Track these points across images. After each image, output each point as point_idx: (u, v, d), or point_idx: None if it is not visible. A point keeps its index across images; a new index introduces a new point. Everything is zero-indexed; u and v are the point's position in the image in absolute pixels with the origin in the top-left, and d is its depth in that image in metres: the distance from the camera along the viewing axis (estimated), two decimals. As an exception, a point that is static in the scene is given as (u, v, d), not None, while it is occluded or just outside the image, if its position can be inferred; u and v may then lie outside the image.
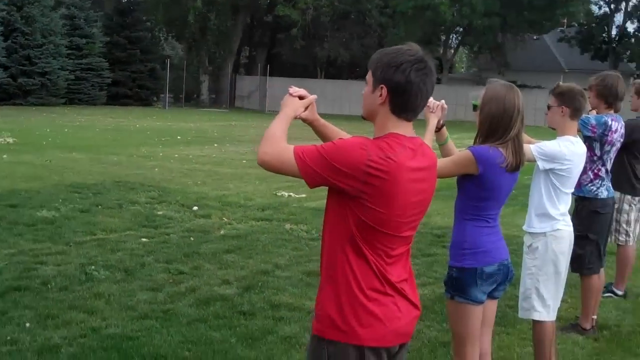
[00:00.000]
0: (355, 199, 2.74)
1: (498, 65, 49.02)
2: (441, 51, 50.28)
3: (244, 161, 17.93)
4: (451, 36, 51.71)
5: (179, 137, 23.81)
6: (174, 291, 6.85)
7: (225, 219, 10.36)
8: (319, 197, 12.16)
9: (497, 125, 3.95)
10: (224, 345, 5.54)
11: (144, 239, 8.84)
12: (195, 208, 10.97)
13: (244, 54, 62.25)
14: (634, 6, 52.02)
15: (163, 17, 50.44)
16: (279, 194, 12.86)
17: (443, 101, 4.20)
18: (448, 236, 9.38)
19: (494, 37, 47.76)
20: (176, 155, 18.36)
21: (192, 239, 9.02)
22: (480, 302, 4.04)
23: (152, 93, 49.25)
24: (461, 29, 48.79)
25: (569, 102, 5.08)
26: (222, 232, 9.55)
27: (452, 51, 53.41)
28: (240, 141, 23.91)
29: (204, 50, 52.52)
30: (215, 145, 21.96)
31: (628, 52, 50.98)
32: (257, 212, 11.07)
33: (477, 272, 3.97)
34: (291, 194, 12.83)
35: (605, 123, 6.05)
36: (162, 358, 5.22)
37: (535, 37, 52.61)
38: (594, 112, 6.27)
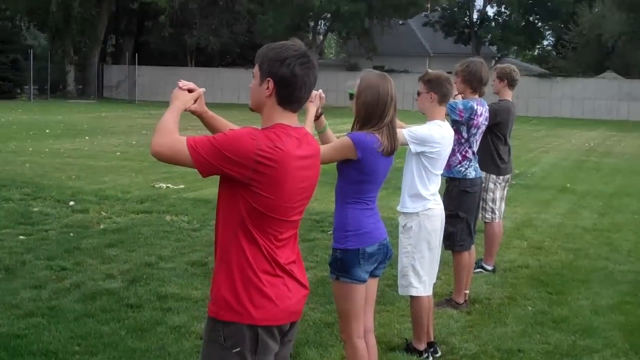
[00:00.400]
0: (246, 186, 2.90)
1: (366, 50, 49.80)
2: (310, 37, 50.67)
3: (118, 153, 17.67)
4: (320, 22, 52.15)
5: (47, 131, 23.10)
6: (58, 287, 6.78)
7: (104, 213, 10.24)
8: (198, 187, 12.26)
9: (372, 113, 4.18)
10: (114, 338, 5.57)
11: (21, 237, 8.64)
12: (71, 203, 10.78)
13: (110, 43, 60.81)
14: (493, -9, 53.96)
15: (24, 5, 48.49)
16: (157, 185, 12.79)
17: (320, 91, 4.38)
18: (327, 221, 9.70)
19: (361, 22, 48.53)
20: (47, 150, 17.85)
21: (71, 234, 8.89)
22: (364, 281, 4.27)
23: (15, 85, 47.26)
24: (329, 15, 49.29)
25: (437, 88, 5.38)
26: (101, 226, 9.45)
27: (321, 37, 53.92)
28: (112, 133, 23.48)
29: (69, 39, 50.79)
30: (87, 137, 21.47)
31: (489, 36, 52.74)
32: (136, 204, 10.99)
33: (359, 253, 4.19)
34: (169, 185, 12.80)
35: (472, 107, 6.40)
36: (53, 354, 5.20)
37: (400, 22, 53.73)
38: (460, 96, 6.60)
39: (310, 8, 44.94)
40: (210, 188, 11.93)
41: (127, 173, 14.32)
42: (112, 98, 50.57)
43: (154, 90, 48.69)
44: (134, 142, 20.23)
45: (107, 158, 16.76)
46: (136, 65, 49.23)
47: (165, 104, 3.14)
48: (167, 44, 51.83)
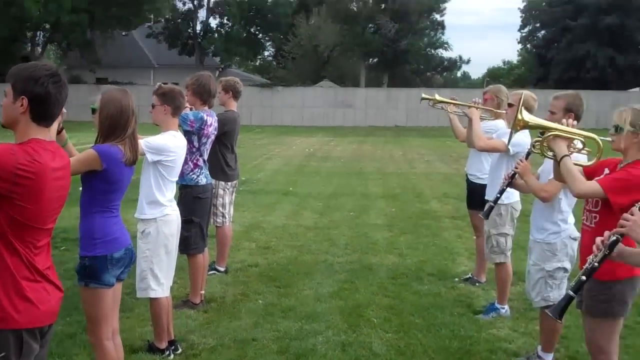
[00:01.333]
0: (7, 198, 3.09)
1: (89, 62, 48.49)
2: (29, 49, 48.47)
3: None
4: (38, 33, 49.97)
5: None
6: None
7: None
8: None
9: (115, 126, 4.47)
10: None
11: None
12: None
13: None
14: (215, 2, 54.63)
15: None
16: None
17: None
18: (59, 237, 9.60)
19: (83, 33, 47.24)
20: None
21: None
22: (112, 285, 4.53)
23: None
24: (48, 26, 47.40)
25: (170, 101, 5.74)
26: None
27: (40, 49, 51.71)
28: None
29: None
30: None
31: (212, 47, 53.52)
32: None
33: (107, 259, 4.45)
34: None
35: (202, 118, 6.84)
36: None
37: (124, 34, 53.04)
38: (190, 108, 7.00)
39: (28, 18, 42.78)
40: None
41: None
42: None
43: None
44: None
45: None
46: None
47: None
48: None
